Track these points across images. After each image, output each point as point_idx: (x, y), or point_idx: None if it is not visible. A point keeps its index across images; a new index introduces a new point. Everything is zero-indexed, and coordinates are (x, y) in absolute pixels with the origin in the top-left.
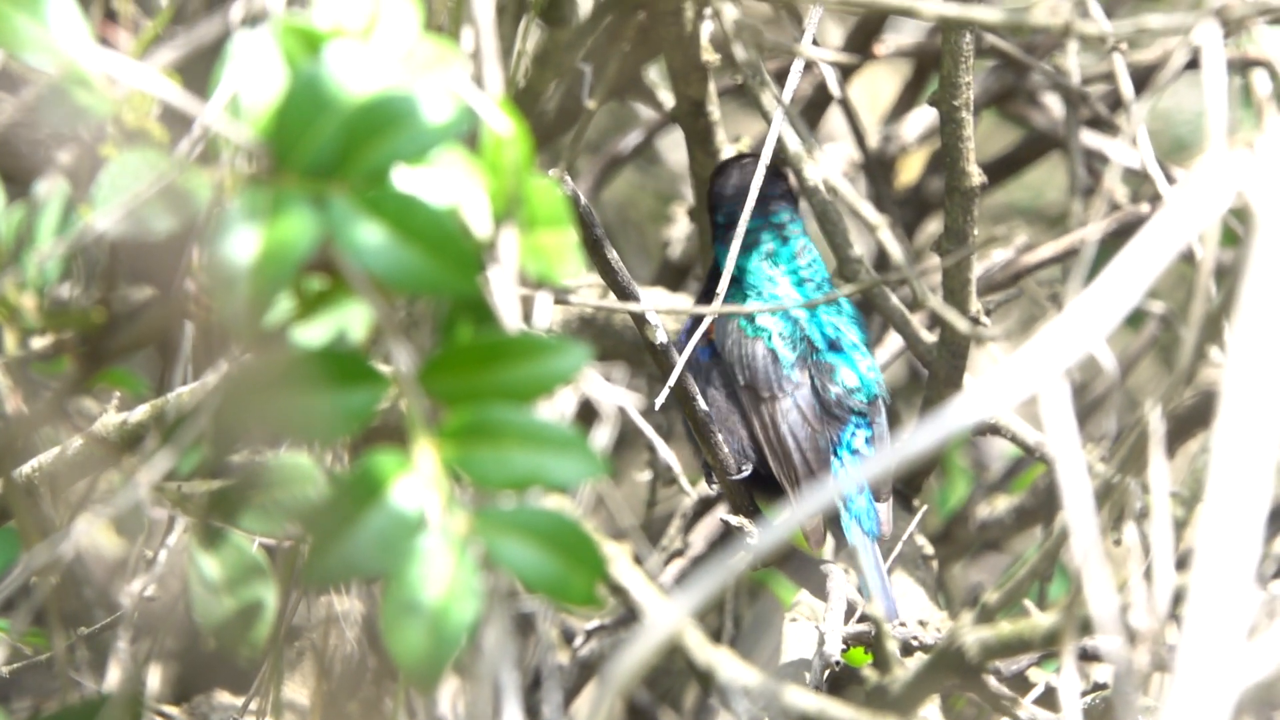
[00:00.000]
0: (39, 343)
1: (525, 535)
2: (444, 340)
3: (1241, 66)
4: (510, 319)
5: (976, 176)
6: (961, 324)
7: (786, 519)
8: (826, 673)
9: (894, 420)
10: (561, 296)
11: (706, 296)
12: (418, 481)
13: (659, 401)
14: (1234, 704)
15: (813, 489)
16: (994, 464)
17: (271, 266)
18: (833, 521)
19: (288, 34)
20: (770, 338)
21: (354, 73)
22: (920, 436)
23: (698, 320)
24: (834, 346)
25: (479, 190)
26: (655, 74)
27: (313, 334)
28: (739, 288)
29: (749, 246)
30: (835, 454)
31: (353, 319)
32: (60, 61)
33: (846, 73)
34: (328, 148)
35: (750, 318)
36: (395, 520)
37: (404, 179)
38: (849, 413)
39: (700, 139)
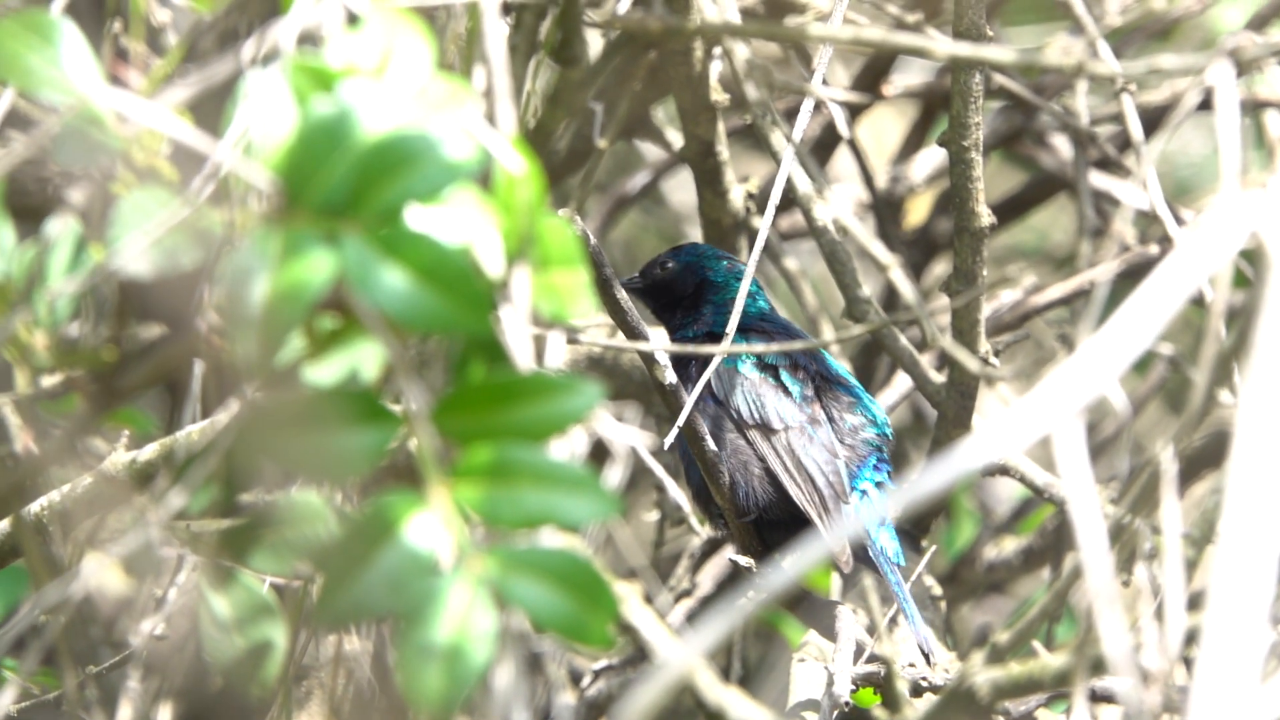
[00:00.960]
0: (49, 381)
1: (539, 575)
2: (456, 379)
3: (1252, 107)
4: (523, 358)
5: (986, 217)
6: (972, 364)
7: (809, 548)
8: (835, 713)
9: (901, 461)
10: (572, 336)
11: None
12: (430, 521)
13: (669, 441)
14: None
15: (837, 515)
16: (1001, 505)
17: (284, 305)
18: (856, 554)
19: (300, 73)
20: (777, 372)
21: (367, 111)
22: (930, 476)
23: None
24: (843, 383)
25: (492, 229)
26: (663, 114)
27: (325, 373)
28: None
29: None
30: (854, 487)
31: (365, 358)
32: (72, 99)
33: (854, 113)
34: (341, 186)
35: (744, 359)
36: (408, 560)
37: (417, 218)
38: (867, 446)
39: (709, 179)
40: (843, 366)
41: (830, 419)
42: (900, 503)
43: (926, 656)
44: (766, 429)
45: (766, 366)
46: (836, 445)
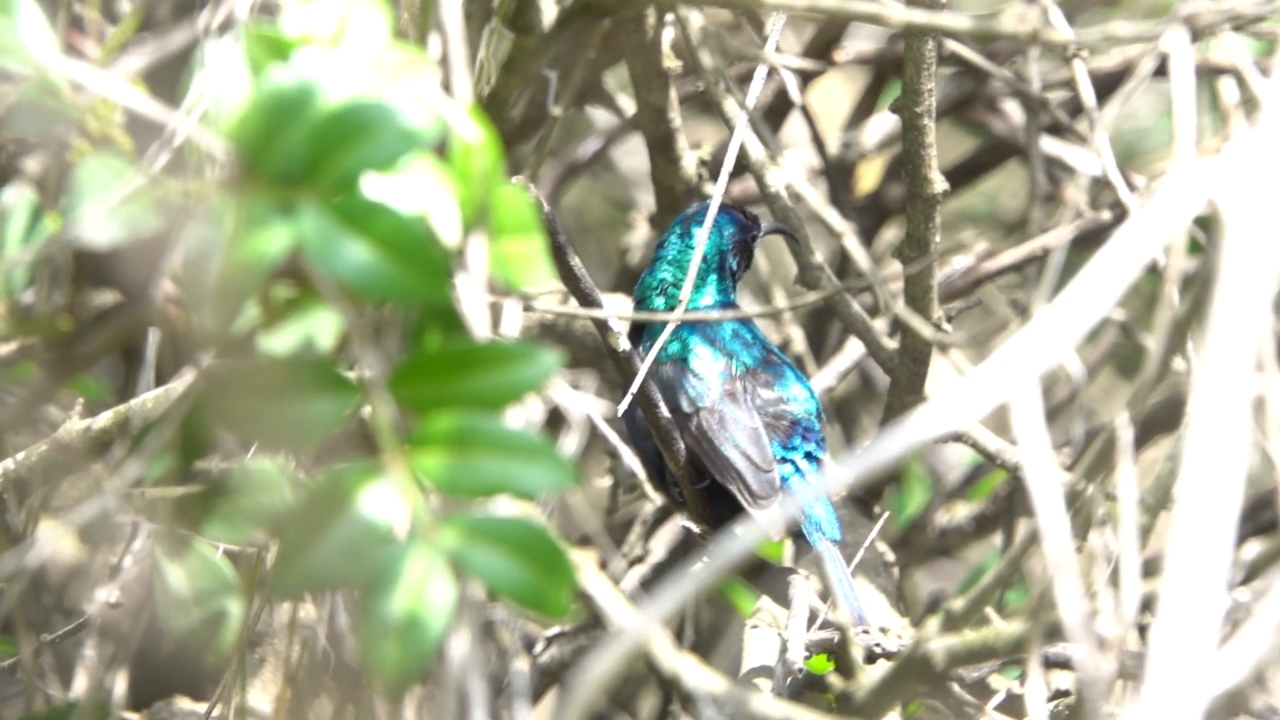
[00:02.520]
0: (4, 349)
1: (496, 544)
2: (413, 348)
3: (1206, 73)
4: (479, 326)
5: (939, 184)
6: (925, 330)
7: (747, 526)
8: (789, 680)
9: (854, 428)
10: (527, 304)
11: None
12: (387, 490)
13: (622, 408)
14: (1203, 711)
15: (760, 488)
16: (952, 471)
17: (240, 274)
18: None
19: (256, 42)
20: (688, 359)
21: (323, 80)
22: (886, 444)
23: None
24: (767, 361)
25: (448, 198)
26: (615, 81)
27: (281, 341)
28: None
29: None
30: (784, 458)
31: (321, 326)
32: (29, 69)
33: (806, 79)
34: (297, 155)
35: (666, 346)
36: (364, 529)
37: (373, 187)
38: (792, 421)
39: (661, 145)
40: (772, 344)
41: (751, 394)
42: (856, 470)
43: (865, 631)
44: (680, 414)
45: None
46: (755, 419)
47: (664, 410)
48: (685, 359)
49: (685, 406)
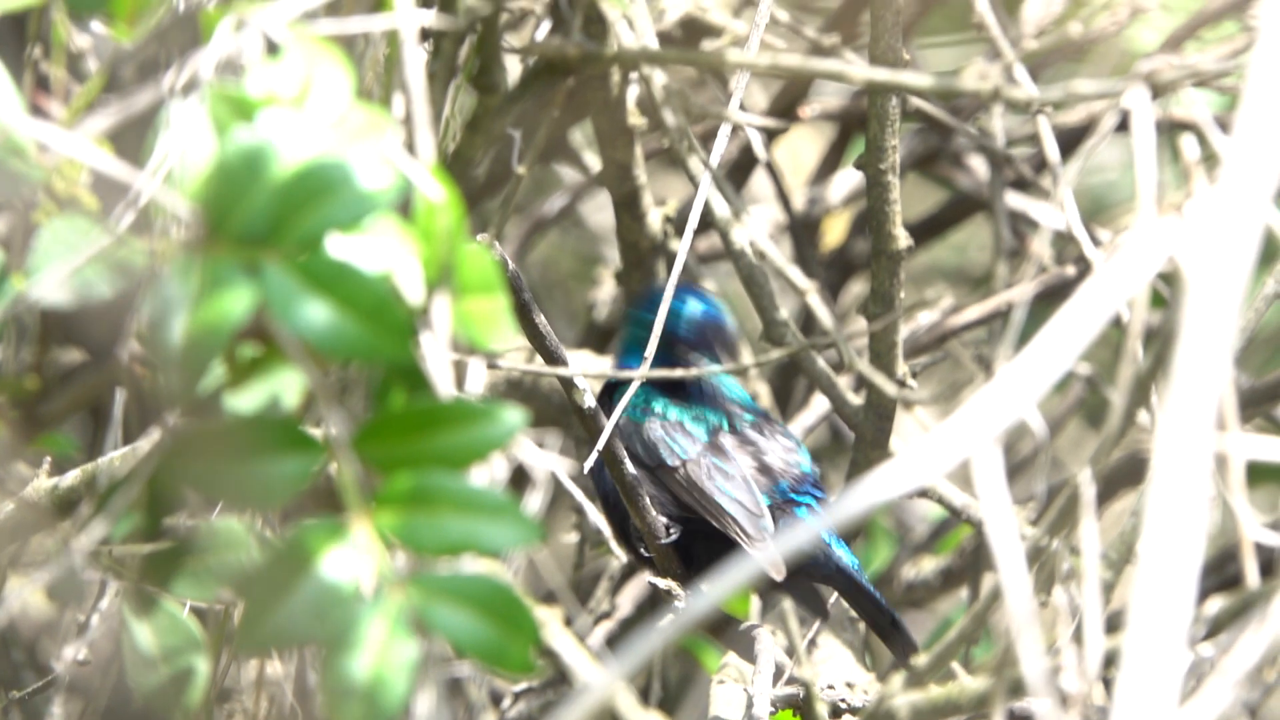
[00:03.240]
0: None
1: (460, 601)
2: (377, 406)
3: (1168, 128)
4: (443, 385)
5: (903, 239)
6: (889, 387)
7: (738, 564)
8: None
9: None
10: (491, 361)
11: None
12: (351, 549)
13: (588, 465)
14: None
15: (757, 530)
16: (918, 525)
17: (205, 334)
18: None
19: (220, 102)
20: (664, 414)
21: (287, 141)
22: (852, 500)
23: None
24: (756, 414)
25: (412, 257)
26: (581, 137)
27: (246, 400)
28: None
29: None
30: (791, 498)
31: (286, 385)
32: None
33: (771, 135)
34: (261, 215)
35: (642, 406)
36: (328, 589)
37: (337, 246)
38: (788, 466)
39: (627, 202)
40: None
41: (742, 444)
42: (822, 525)
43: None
44: (665, 468)
45: (668, 416)
46: (743, 468)
47: (629, 467)
48: (665, 416)
49: (670, 460)
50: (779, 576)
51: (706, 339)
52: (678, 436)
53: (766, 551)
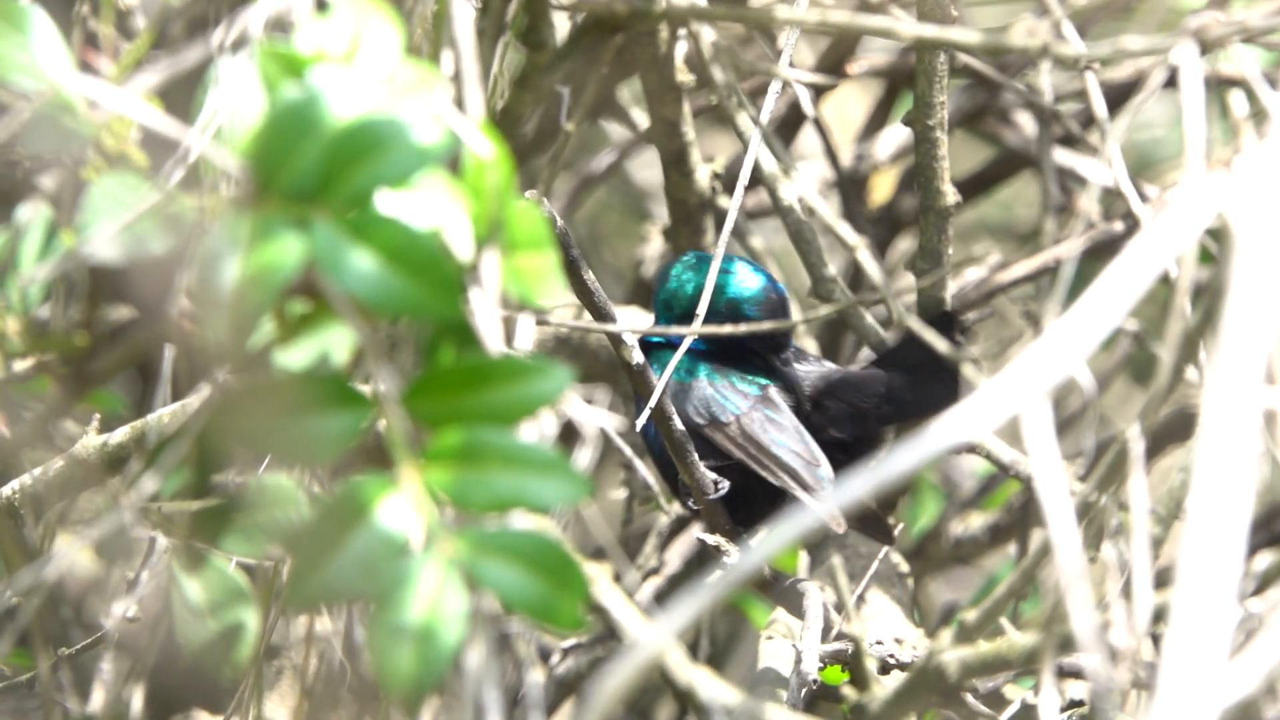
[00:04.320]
0: (21, 365)
1: (509, 557)
2: (427, 363)
3: (1216, 84)
4: (493, 341)
5: (951, 195)
6: (940, 343)
7: (796, 518)
8: (803, 691)
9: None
10: (540, 318)
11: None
12: (401, 504)
13: (639, 422)
14: None
15: (815, 482)
16: (965, 481)
17: (255, 290)
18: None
19: (270, 59)
20: (710, 377)
21: (336, 97)
22: (902, 457)
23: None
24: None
25: (461, 213)
26: (628, 94)
27: (296, 357)
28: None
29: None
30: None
31: (336, 342)
32: (43, 86)
33: (819, 93)
34: (311, 172)
35: (687, 368)
36: (379, 542)
37: (387, 202)
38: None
39: (675, 159)
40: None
41: (776, 400)
42: (873, 482)
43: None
44: (717, 424)
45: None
46: (793, 418)
47: (678, 422)
48: (713, 378)
49: (722, 416)
50: (840, 529)
51: (765, 314)
52: (728, 394)
53: (825, 502)
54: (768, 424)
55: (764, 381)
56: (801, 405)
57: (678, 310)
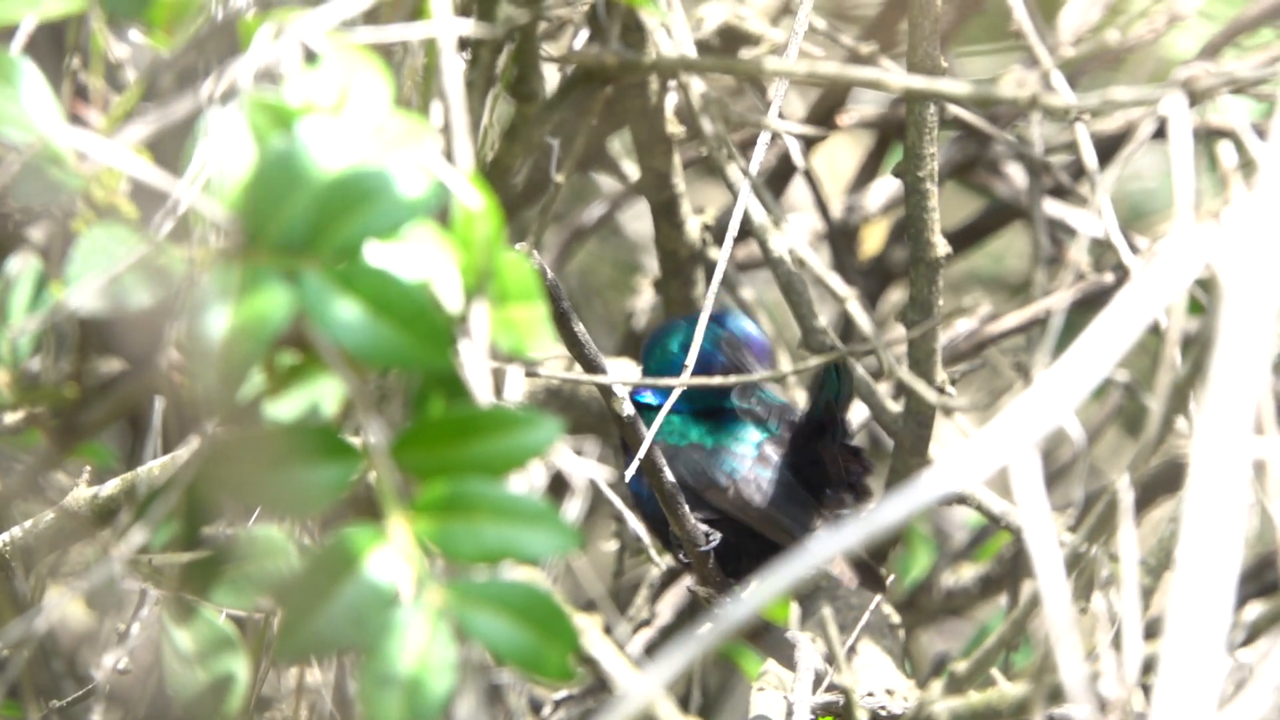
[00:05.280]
0: (11, 418)
1: (498, 608)
2: (416, 414)
3: (1205, 135)
4: (482, 393)
5: (941, 247)
6: (929, 394)
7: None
8: None
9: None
10: (530, 369)
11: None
12: (391, 555)
13: (629, 473)
14: None
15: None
16: (956, 532)
17: (244, 342)
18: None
19: (259, 110)
20: (703, 441)
21: (325, 149)
22: (890, 508)
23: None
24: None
25: (450, 265)
26: (619, 145)
27: (285, 408)
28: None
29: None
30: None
31: (325, 393)
32: (33, 138)
33: (809, 143)
34: (300, 223)
35: (679, 432)
36: (369, 594)
37: (376, 254)
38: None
39: (665, 210)
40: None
41: (788, 448)
42: (862, 532)
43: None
44: (715, 488)
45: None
46: (788, 476)
47: (669, 474)
48: (704, 443)
49: (720, 481)
50: (847, 579)
51: (739, 360)
52: (724, 457)
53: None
54: (764, 485)
55: (760, 437)
56: (797, 451)
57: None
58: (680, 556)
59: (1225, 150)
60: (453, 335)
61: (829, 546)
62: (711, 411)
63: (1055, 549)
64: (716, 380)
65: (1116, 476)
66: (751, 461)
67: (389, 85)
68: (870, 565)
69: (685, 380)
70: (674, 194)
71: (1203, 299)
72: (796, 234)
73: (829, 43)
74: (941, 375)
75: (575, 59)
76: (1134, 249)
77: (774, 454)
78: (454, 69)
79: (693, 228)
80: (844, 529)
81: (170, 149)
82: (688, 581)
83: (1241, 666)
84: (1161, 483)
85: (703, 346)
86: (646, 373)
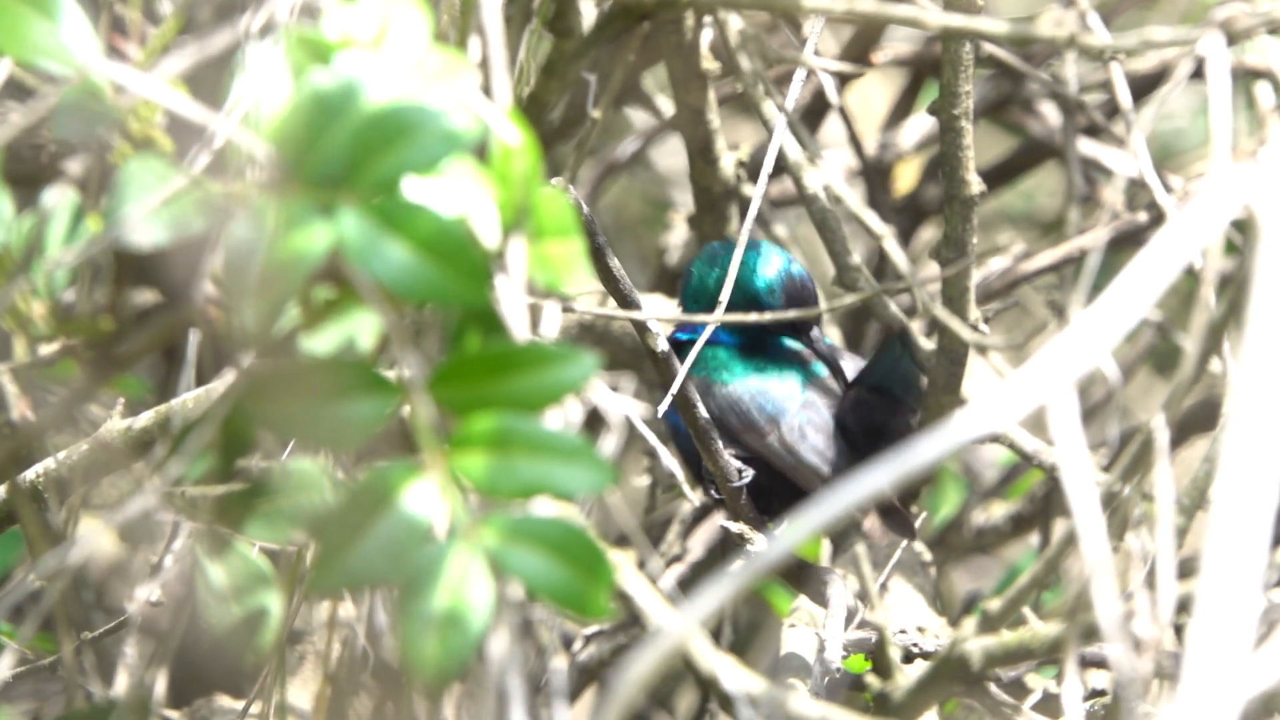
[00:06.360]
0: (46, 349)
1: (535, 545)
2: (453, 350)
3: (1242, 75)
4: (519, 328)
5: (976, 185)
6: (963, 331)
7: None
8: (827, 679)
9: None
10: (565, 304)
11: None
12: (427, 490)
13: (662, 409)
14: (1239, 713)
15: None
16: (987, 470)
17: (281, 275)
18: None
19: (297, 44)
20: (744, 370)
21: (364, 83)
22: (925, 446)
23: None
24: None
25: (488, 200)
26: (653, 81)
27: (322, 342)
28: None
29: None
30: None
31: (361, 328)
32: (71, 71)
33: (844, 81)
34: (338, 158)
35: (723, 366)
36: (405, 529)
37: (414, 189)
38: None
39: (700, 147)
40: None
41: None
42: (896, 471)
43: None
44: (756, 431)
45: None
46: (830, 428)
47: (702, 410)
48: (745, 379)
49: (762, 424)
50: (871, 529)
51: (788, 299)
52: (767, 401)
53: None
54: (806, 433)
55: (802, 379)
56: (837, 394)
57: (704, 305)
58: (713, 492)
59: (1262, 90)
60: (490, 270)
61: (862, 489)
62: (756, 347)
63: (1091, 488)
64: (752, 317)
65: (1150, 416)
66: (797, 406)
67: (427, 20)
68: (900, 509)
69: (719, 317)
70: (709, 130)
71: (1238, 240)
72: (831, 171)
73: None
74: (975, 313)
75: None
76: (1168, 189)
77: (818, 400)
78: (492, 4)
79: (727, 164)
80: (877, 469)
81: (208, 83)
82: (720, 517)
83: (1276, 607)
84: (1196, 422)
85: (749, 282)
86: (684, 300)
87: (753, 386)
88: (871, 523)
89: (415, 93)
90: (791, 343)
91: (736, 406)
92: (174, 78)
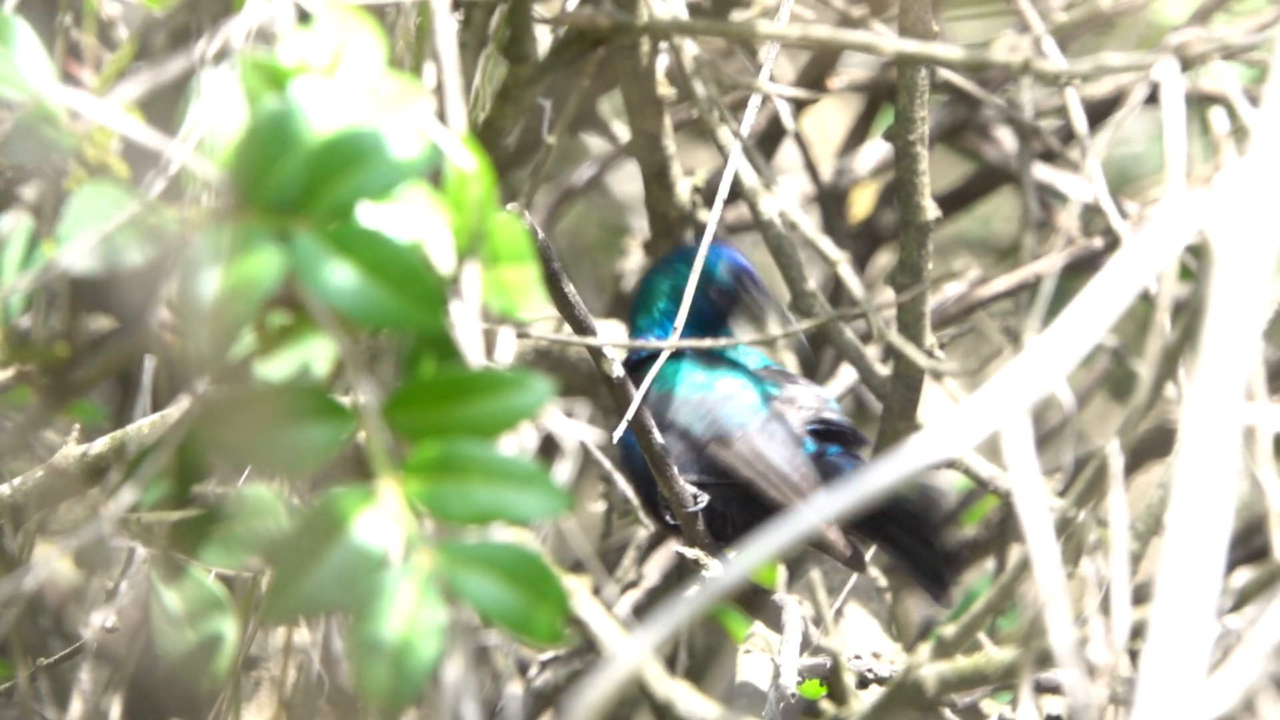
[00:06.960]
0: (1, 375)
1: (488, 570)
2: (407, 375)
3: (1196, 100)
4: (473, 354)
5: (931, 211)
6: (918, 357)
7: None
8: (781, 705)
9: None
10: (521, 330)
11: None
12: (381, 516)
13: (616, 434)
14: None
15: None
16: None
17: (236, 301)
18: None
19: (252, 70)
20: (709, 385)
21: (318, 109)
22: (880, 473)
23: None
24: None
25: (442, 226)
26: (609, 107)
27: (276, 368)
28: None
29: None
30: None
31: (316, 353)
32: (25, 97)
33: (800, 106)
34: (292, 184)
35: (684, 377)
36: (358, 555)
37: (368, 215)
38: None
39: (656, 172)
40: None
41: (786, 403)
42: (850, 497)
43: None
44: (723, 440)
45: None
46: (797, 437)
47: (657, 436)
48: (709, 388)
49: (732, 430)
50: (845, 554)
51: (740, 284)
52: (731, 407)
53: (823, 516)
54: (771, 441)
55: (763, 390)
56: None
57: (657, 305)
58: (667, 519)
59: (1217, 116)
60: (444, 296)
61: (819, 512)
62: (717, 357)
63: (1045, 513)
64: (707, 343)
65: (1105, 441)
66: (762, 417)
67: (382, 46)
68: (851, 542)
69: (674, 342)
70: (665, 156)
71: (1193, 265)
72: (787, 197)
73: (820, 6)
74: (930, 339)
75: (567, 20)
76: (1124, 214)
77: (783, 409)
78: (447, 30)
79: (683, 189)
80: (833, 494)
81: (163, 108)
82: (675, 543)
83: (1230, 632)
84: (1150, 448)
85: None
86: (637, 313)
87: (717, 396)
88: (835, 534)
89: (370, 119)
90: (750, 352)
91: (702, 416)
92: (129, 104)
